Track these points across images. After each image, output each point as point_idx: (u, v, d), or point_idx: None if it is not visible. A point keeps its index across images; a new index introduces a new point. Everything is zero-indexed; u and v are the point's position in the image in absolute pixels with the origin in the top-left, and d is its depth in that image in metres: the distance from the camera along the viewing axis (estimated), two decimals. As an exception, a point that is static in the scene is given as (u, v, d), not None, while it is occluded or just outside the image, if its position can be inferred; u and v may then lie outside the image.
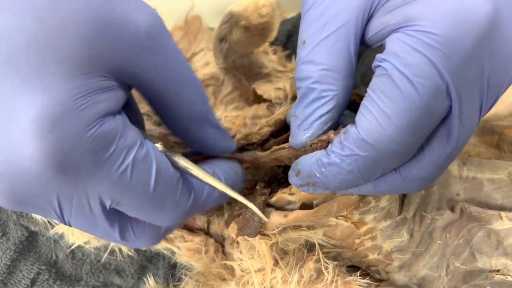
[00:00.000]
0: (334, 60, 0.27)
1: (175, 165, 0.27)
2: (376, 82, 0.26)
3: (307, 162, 0.29)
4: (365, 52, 0.47)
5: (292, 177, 0.30)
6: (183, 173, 0.28)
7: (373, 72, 0.27)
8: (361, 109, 0.26)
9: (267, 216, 0.32)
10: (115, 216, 0.26)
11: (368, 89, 0.26)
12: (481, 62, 0.25)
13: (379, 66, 0.26)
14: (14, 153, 0.22)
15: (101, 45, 0.23)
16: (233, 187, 0.30)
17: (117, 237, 0.27)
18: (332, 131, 0.28)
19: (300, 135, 0.29)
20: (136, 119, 0.29)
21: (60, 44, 0.22)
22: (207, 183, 0.28)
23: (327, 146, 0.28)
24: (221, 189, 0.28)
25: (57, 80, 0.22)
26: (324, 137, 0.29)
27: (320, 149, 0.29)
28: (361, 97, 0.27)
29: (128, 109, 0.28)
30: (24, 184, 0.23)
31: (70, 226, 0.26)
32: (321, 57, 0.28)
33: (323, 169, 0.28)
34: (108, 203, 0.25)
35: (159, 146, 0.27)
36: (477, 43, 0.25)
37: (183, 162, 0.28)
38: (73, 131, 0.22)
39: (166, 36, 0.26)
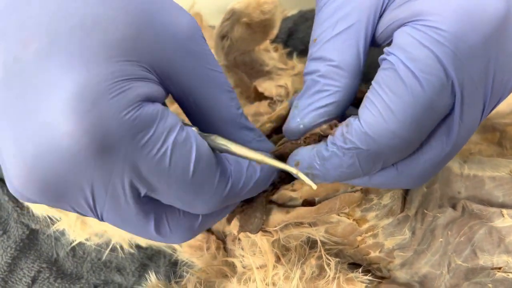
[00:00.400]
0: (342, 57, 0.28)
1: (212, 147, 0.27)
2: (381, 75, 0.26)
3: (307, 154, 0.28)
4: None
5: (291, 168, 0.29)
6: (221, 159, 0.27)
7: (373, 70, 0.27)
8: (365, 102, 0.26)
9: (269, 213, 0.32)
10: (150, 207, 0.26)
11: (373, 82, 0.26)
12: (487, 62, 0.25)
13: (385, 59, 0.26)
14: (52, 132, 0.21)
15: (146, 38, 0.24)
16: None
17: (152, 231, 0.26)
18: (325, 125, 0.28)
19: (293, 122, 0.29)
20: None
21: (107, 29, 0.23)
22: (247, 158, 0.27)
23: (320, 140, 0.28)
24: (262, 160, 0.27)
25: (101, 61, 0.22)
26: (317, 130, 0.29)
27: (313, 143, 0.29)
28: (363, 93, 0.27)
29: None
30: (60, 166, 0.22)
31: (102, 220, 0.25)
32: (330, 53, 0.28)
33: (324, 162, 0.27)
34: (143, 191, 0.24)
35: (195, 129, 0.26)
36: (485, 43, 0.24)
37: (221, 141, 0.27)
38: (113, 111, 0.22)
39: (203, 41, 0.27)
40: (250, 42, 0.41)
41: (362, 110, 0.26)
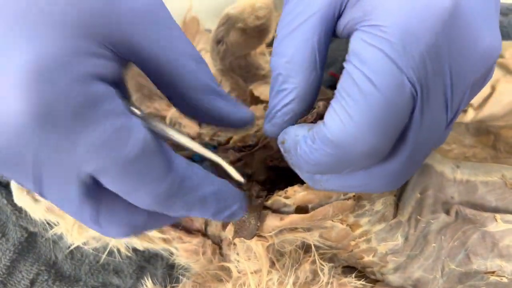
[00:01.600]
0: (296, 53, 0.27)
1: (156, 133, 0.26)
2: (340, 82, 0.26)
3: (292, 137, 0.29)
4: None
5: (279, 142, 0.30)
6: (166, 151, 0.26)
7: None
8: (329, 108, 0.26)
9: (263, 219, 0.33)
10: (92, 192, 0.25)
11: (335, 90, 0.26)
12: (439, 55, 0.25)
13: (343, 67, 0.26)
14: (1, 105, 0.21)
15: (102, 14, 0.23)
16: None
17: (87, 216, 0.25)
18: (322, 102, 0.29)
19: (266, 124, 0.30)
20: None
21: (61, 8, 0.22)
22: (180, 143, 0.27)
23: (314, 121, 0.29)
24: (196, 149, 0.27)
25: (52, 36, 0.22)
26: (309, 116, 0.29)
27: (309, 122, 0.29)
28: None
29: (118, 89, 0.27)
30: (6, 136, 0.22)
31: (46, 198, 0.25)
32: (285, 49, 0.28)
33: (297, 153, 0.28)
34: (85, 171, 0.24)
35: (137, 111, 0.26)
36: (433, 35, 0.24)
37: (160, 125, 0.27)
38: (61, 85, 0.22)
39: (166, 11, 0.26)
40: (246, 46, 0.41)
41: (326, 116, 0.26)
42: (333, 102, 0.26)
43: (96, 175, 0.24)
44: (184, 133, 0.28)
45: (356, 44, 0.25)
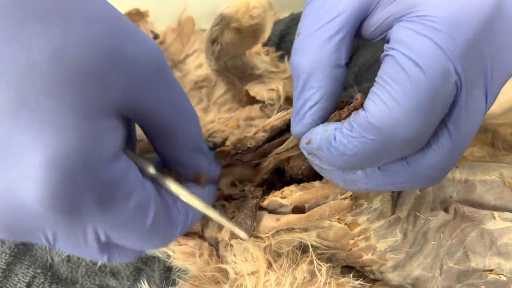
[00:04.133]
0: (320, 51, 0.28)
1: (164, 187, 0.28)
2: (383, 69, 0.26)
3: (320, 135, 0.28)
4: (357, 52, 0.47)
5: (302, 144, 0.30)
6: (173, 210, 0.28)
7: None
8: (369, 95, 0.26)
9: (259, 219, 0.32)
10: (105, 246, 0.27)
11: (376, 78, 0.26)
12: (483, 46, 0.25)
13: (386, 55, 0.26)
14: (21, 193, 0.22)
15: (109, 85, 0.23)
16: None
17: (104, 259, 0.27)
18: (359, 94, 0.29)
19: (296, 125, 0.30)
20: (130, 142, 0.29)
21: (70, 86, 0.22)
22: (194, 207, 0.29)
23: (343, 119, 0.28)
24: (206, 213, 0.30)
25: (67, 123, 0.22)
26: (345, 109, 0.29)
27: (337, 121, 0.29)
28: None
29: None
30: (24, 221, 0.23)
31: (56, 248, 0.26)
32: (309, 47, 0.28)
33: (330, 147, 0.27)
34: (103, 239, 0.25)
35: (151, 170, 0.27)
36: (478, 27, 0.25)
37: (173, 187, 0.28)
38: (80, 177, 0.22)
39: (169, 70, 0.27)
40: (241, 46, 0.41)
41: (366, 102, 0.26)
42: (375, 89, 0.26)
43: (113, 241, 0.26)
44: (193, 194, 0.29)
45: (401, 33, 0.26)
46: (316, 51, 0.28)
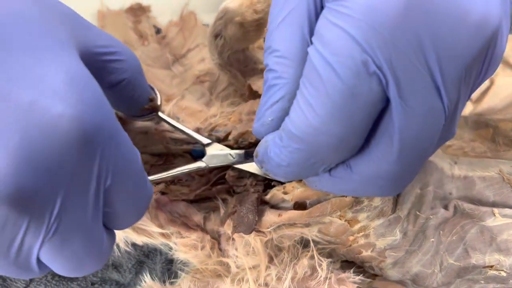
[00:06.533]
0: (285, 46, 0.25)
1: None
2: (304, 69, 0.24)
3: (261, 146, 0.27)
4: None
5: (255, 158, 0.28)
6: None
7: None
8: (294, 99, 0.24)
9: (262, 214, 0.33)
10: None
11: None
12: (417, 31, 0.21)
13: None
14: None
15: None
16: None
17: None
18: None
19: (255, 122, 0.28)
20: None
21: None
22: None
23: None
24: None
25: None
26: None
27: None
28: None
29: None
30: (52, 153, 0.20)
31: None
32: (275, 43, 0.25)
33: (269, 158, 0.26)
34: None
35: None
36: (405, 7, 0.21)
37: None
38: None
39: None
40: (244, 40, 0.41)
41: (291, 108, 0.24)
42: (297, 92, 0.24)
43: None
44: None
45: (319, 23, 0.23)
46: (283, 46, 0.25)
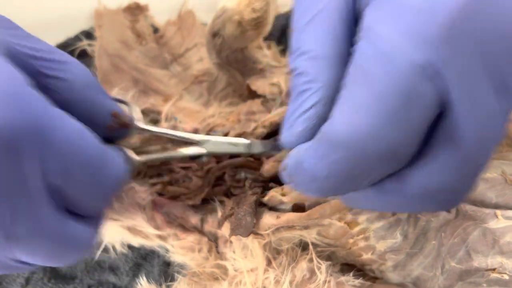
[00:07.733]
0: (320, 46, 0.23)
1: None
2: (349, 68, 0.22)
3: (291, 157, 0.24)
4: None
5: (281, 172, 0.26)
6: None
7: None
8: (337, 100, 0.22)
9: (260, 216, 0.32)
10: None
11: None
12: (474, 30, 0.20)
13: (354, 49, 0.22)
14: None
15: None
16: None
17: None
18: None
19: (284, 132, 0.25)
20: None
21: None
22: None
23: None
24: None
25: None
26: None
27: None
28: None
29: None
30: None
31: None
32: (306, 43, 0.23)
33: (302, 171, 0.23)
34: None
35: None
36: (463, 8, 0.19)
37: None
38: None
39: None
40: (242, 39, 0.40)
41: (333, 110, 0.22)
42: (341, 94, 0.22)
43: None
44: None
45: (369, 17, 0.21)
46: (315, 46, 0.23)
